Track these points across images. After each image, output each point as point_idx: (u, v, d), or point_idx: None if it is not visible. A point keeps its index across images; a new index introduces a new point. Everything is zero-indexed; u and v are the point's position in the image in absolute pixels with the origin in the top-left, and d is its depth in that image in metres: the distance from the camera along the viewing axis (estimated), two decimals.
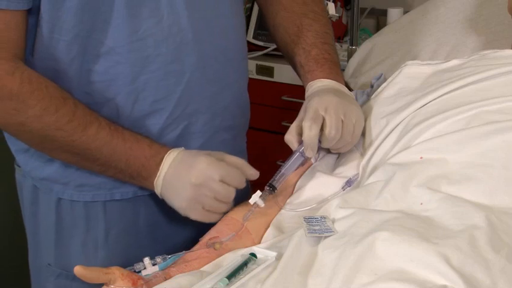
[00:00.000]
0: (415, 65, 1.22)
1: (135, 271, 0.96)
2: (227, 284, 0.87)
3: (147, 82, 1.11)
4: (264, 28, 2.25)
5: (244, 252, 0.95)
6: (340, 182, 1.10)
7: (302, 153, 1.10)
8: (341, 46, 2.13)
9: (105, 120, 1.08)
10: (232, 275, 0.89)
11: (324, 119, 1.09)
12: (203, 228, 1.09)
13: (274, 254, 0.93)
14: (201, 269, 0.98)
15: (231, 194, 1.07)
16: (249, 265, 0.92)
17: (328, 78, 1.18)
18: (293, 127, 1.12)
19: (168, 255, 1.01)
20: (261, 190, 1.07)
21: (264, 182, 1.09)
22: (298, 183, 1.15)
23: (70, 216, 1.18)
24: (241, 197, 1.11)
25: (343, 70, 1.49)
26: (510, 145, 0.95)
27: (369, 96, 1.28)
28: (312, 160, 1.17)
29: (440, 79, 1.13)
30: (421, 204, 0.92)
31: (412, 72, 1.20)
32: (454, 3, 1.51)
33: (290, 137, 1.12)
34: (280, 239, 1.00)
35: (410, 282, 0.75)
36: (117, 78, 1.10)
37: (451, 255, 0.78)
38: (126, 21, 1.06)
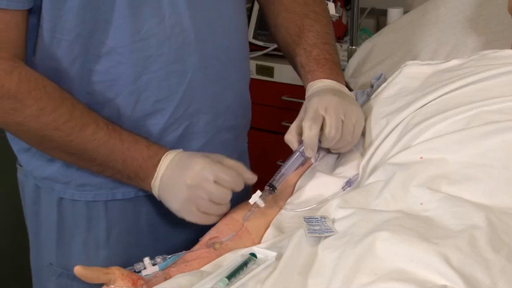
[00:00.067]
0: (415, 65, 1.22)
1: (135, 271, 0.96)
2: (227, 284, 0.87)
3: (149, 82, 1.11)
4: (264, 28, 2.25)
5: (244, 252, 0.95)
6: (340, 182, 1.10)
7: (302, 153, 1.10)
8: (341, 46, 2.13)
9: (103, 121, 1.08)
10: (232, 275, 0.89)
11: (324, 119, 1.09)
12: (204, 228, 1.09)
13: (274, 254, 0.93)
14: (201, 269, 0.98)
15: (226, 196, 1.06)
16: (249, 265, 0.92)
17: (328, 79, 1.18)
18: (293, 127, 1.12)
19: (168, 255, 1.01)
20: (261, 190, 1.07)
21: (264, 182, 1.09)
22: (298, 183, 1.15)
23: (71, 215, 1.18)
24: (242, 197, 1.11)
25: (343, 70, 1.50)
26: (510, 145, 0.95)
27: (369, 96, 1.28)
28: (312, 160, 1.17)
29: (440, 79, 1.13)
30: (421, 204, 0.92)
31: (412, 72, 1.20)
32: (454, 3, 1.51)
33: (290, 137, 1.12)
34: (280, 239, 1.00)
35: (410, 282, 0.75)
36: (118, 78, 1.10)
37: (451, 255, 0.78)
38: (128, 21, 1.06)
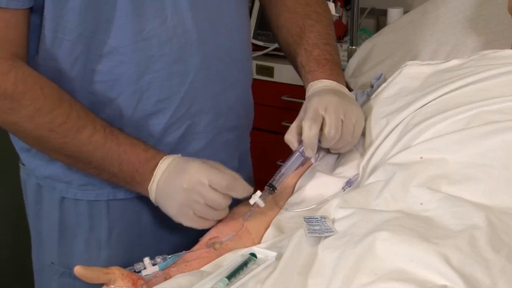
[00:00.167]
0: (415, 65, 1.22)
1: (135, 271, 0.96)
2: (227, 284, 0.87)
3: (151, 82, 1.11)
4: (264, 28, 2.25)
5: (244, 252, 0.95)
6: (340, 182, 1.10)
7: (302, 153, 1.10)
8: (341, 46, 2.13)
9: (101, 123, 1.08)
10: (232, 275, 0.89)
11: (323, 119, 1.09)
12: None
13: (274, 254, 0.93)
14: (201, 269, 0.98)
15: (223, 201, 1.05)
16: (249, 265, 0.92)
17: (328, 79, 1.18)
18: (293, 127, 1.12)
19: (169, 255, 1.01)
20: (261, 190, 1.07)
21: (264, 182, 1.09)
22: (298, 183, 1.15)
23: (73, 215, 1.18)
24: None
25: (343, 70, 1.50)
26: (510, 145, 0.95)
27: (369, 96, 1.28)
28: (312, 160, 1.17)
29: (440, 79, 1.13)
30: (421, 204, 0.92)
31: (412, 73, 1.20)
32: (454, 3, 1.51)
33: (290, 137, 1.12)
34: (280, 239, 1.00)
35: (410, 282, 0.75)
36: (121, 78, 1.10)
37: (451, 255, 0.78)
38: (130, 21, 1.06)
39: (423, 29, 1.52)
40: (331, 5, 1.93)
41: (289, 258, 0.89)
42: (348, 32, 2.13)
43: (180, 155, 1.10)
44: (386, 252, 0.80)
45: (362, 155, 1.13)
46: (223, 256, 0.99)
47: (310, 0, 1.29)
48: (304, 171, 1.16)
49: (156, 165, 1.07)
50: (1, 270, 2.28)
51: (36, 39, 1.08)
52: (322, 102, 1.10)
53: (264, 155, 1.83)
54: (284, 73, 2.20)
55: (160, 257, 0.99)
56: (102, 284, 0.93)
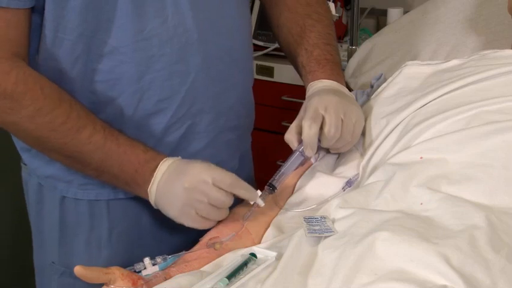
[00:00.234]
0: (415, 65, 1.22)
1: (135, 271, 0.96)
2: (227, 284, 0.87)
3: (152, 82, 1.11)
4: (264, 28, 2.25)
5: (244, 252, 0.95)
6: (340, 182, 1.10)
7: (302, 153, 1.10)
8: (341, 46, 2.13)
9: (101, 124, 1.08)
10: (232, 275, 0.89)
11: (323, 118, 1.09)
12: None
13: (274, 254, 0.93)
14: (201, 269, 0.98)
15: (226, 199, 1.04)
16: (249, 265, 0.92)
17: (329, 79, 1.19)
18: (293, 126, 1.12)
19: (169, 255, 1.01)
20: (261, 190, 1.07)
21: (264, 182, 1.09)
22: (298, 183, 1.15)
23: (74, 214, 1.19)
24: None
25: (343, 70, 1.50)
26: (510, 145, 0.95)
27: (369, 96, 1.28)
28: (312, 160, 1.17)
29: (440, 79, 1.13)
30: (421, 204, 0.92)
31: (412, 73, 1.20)
32: (454, 3, 1.51)
33: (290, 136, 1.12)
34: (280, 239, 1.00)
35: (410, 282, 0.75)
36: (121, 78, 1.10)
37: (451, 255, 0.78)
38: (130, 20, 1.06)
39: (423, 29, 1.52)
40: (331, 5, 1.94)
41: (289, 258, 0.89)
42: (348, 32, 2.13)
43: (180, 157, 1.10)
44: (386, 252, 0.80)
45: (362, 154, 1.13)
46: (223, 256, 0.99)
47: (311, 0, 1.29)
48: (304, 171, 1.17)
49: (156, 167, 1.07)
50: (1, 270, 2.29)
51: (37, 39, 1.08)
52: (322, 102, 1.10)
53: (264, 155, 1.83)
54: (284, 73, 2.20)
55: (161, 257, 0.99)
56: (102, 284, 0.93)
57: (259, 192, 1.06)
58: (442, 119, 1.03)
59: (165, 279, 0.95)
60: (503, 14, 1.32)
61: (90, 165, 1.08)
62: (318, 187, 1.11)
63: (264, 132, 2.19)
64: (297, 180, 1.16)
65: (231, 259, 0.95)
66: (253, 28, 2.30)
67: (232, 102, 1.22)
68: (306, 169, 1.17)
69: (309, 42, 1.24)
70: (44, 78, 1.05)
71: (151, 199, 1.08)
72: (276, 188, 1.08)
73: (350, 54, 1.93)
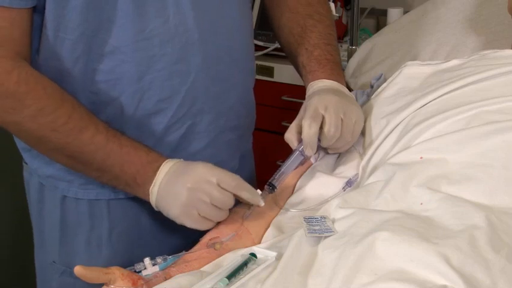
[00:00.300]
0: (415, 66, 1.22)
1: (135, 271, 0.96)
2: (227, 284, 0.87)
3: (152, 81, 1.11)
4: (264, 28, 2.25)
5: (244, 252, 0.95)
6: (340, 182, 1.10)
7: (302, 152, 1.10)
8: (341, 46, 2.13)
9: (103, 125, 1.08)
10: (232, 275, 0.89)
11: (323, 118, 1.09)
12: None
13: (274, 254, 0.93)
14: (201, 269, 0.98)
15: (229, 200, 1.04)
16: (249, 265, 0.92)
17: (329, 79, 1.19)
18: (293, 126, 1.12)
19: (169, 255, 1.01)
20: (261, 189, 1.07)
21: (264, 181, 1.09)
22: (298, 183, 1.15)
23: (74, 214, 1.19)
24: None
25: (343, 70, 1.50)
26: (510, 145, 0.95)
27: (369, 96, 1.28)
28: (312, 160, 1.17)
29: (440, 79, 1.13)
30: (421, 204, 0.92)
31: (412, 73, 1.20)
32: (454, 3, 1.51)
33: (290, 136, 1.12)
34: (280, 239, 1.00)
35: (410, 282, 0.75)
36: (122, 77, 1.10)
37: (451, 255, 0.78)
38: (131, 20, 1.06)
39: (423, 29, 1.52)
40: (331, 5, 1.94)
41: (289, 258, 0.89)
42: (348, 32, 2.13)
43: (182, 159, 1.09)
44: (387, 252, 0.80)
45: (362, 155, 1.13)
46: (223, 256, 0.99)
47: (312, 1, 1.29)
48: (304, 172, 1.17)
49: (159, 168, 1.07)
50: (2, 270, 2.29)
51: (37, 39, 1.08)
52: (322, 101, 1.10)
53: (264, 155, 1.83)
54: (284, 73, 2.20)
55: (161, 257, 0.99)
56: (102, 284, 0.93)
57: (259, 192, 1.06)
58: (442, 119, 1.03)
59: (165, 279, 0.95)
60: (503, 14, 1.32)
61: (91, 166, 1.08)
62: (318, 187, 1.11)
63: (264, 132, 2.19)
64: (297, 180, 1.16)
65: (231, 259, 0.95)
66: (253, 28, 2.30)
67: (232, 102, 1.22)
68: (306, 169, 1.17)
69: (310, 42, 1.24)
70: (45, 78, 1.05)
71: (152, 200, 1.08)
72: (275, 188, 1.08)
73: (350, 54, 1.93)
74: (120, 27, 1.06)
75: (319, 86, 1.17)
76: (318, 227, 0.92)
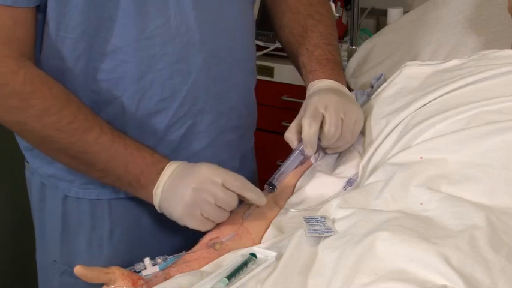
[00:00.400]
0: (415, 66, 1.22)
1: (135, 271, 0.96)
2: (227, 284, 0.87)
3: (154, 81, 1.11)
4: (264, 28, 2.25)
5: (244, 252, 0.95)
6: (341, 182, 1.10)
7: (302, 152, 1.10)
8: (341, 46, 2.13)
9: (108, 126, 1.08)
10: (232, 275, 0.89)
11: (323, 117, 1.09)
12: None
13: (274, 254, 0.93)
14: (201, 269, 0.98)
15: (233, 201, 1.04)
16: (249, 265, 0.92)
17: (329, 79, 1.19)
18: (293, 125, 1.12)
19: (169, 255, 1.01)
20: (261, 189, 1.07)
21: (264, 181, 1.09)
22: (298, 183, 1.15)
23: (76, 213, 1.19)
24: None
25: (344, 70, 1.50)
26: (510, 145, 0.95)
27: (369, 96, 1.28)
28: (312, 160, 1.17)
29: (440, 79, 1.13)
30: (421, 204, 0.92)
31: (412, 73, 1.20)
32: (454, 3, 1.51)
33: (290, 135, 1.12)
34: (280, 239, 1.00)
35: (410, 282, 0.75)
36: (123, 77, 1.10)
37: (451, 255, 0.78)
38: (132, 20, 1.06)
39: (423, 29, 1.52)
40: (331, 5, 1.94)
41: (289, 258, 0.89)
42: (348, 32, 2.13)
43: (186, 161, 1.09)
44: (386, 252, 0.80)
45: (362, 154, 1.13)
46: (223, 256, 0.99)
47: (313, 1, 1.29)
48: (304, 171, 1.17)
49: (163, 169, 1.07)
50: (2, 270, 2.29)
51: (39, 38, 1.08)
52: (322, 101, 1.11)
53: (264, 155, 1.83)
54: (284, 73, 2.20)
55: (161, 257, 0.99)
56: (103, 284, 0.93)
57: None
58: (442, 119, 1.03)
59: (165, 279, 0.95)
60: (503, 14, 1.32)
61: (95, 166, 1.08)
62: (318, 187, 1.11)
63: (264, 132, 2.19)
64: (297, 180, 1.16)
65: (231, 259, 0.95)
66: (254, 28, 2.30)
67: (233, 102, 1.22)
68: (306, 169, 1.17)
69: (311, 42, 1.24)
70: (51, 79, 1.06)
71: (156, 201, 1.08)
72: (275, 187, 1.08)
73: (350, 54, 1.93)
74: (121, 27, 1.07)
75: (320, 86, 1.17)
76: (318, 227, 0.92)
